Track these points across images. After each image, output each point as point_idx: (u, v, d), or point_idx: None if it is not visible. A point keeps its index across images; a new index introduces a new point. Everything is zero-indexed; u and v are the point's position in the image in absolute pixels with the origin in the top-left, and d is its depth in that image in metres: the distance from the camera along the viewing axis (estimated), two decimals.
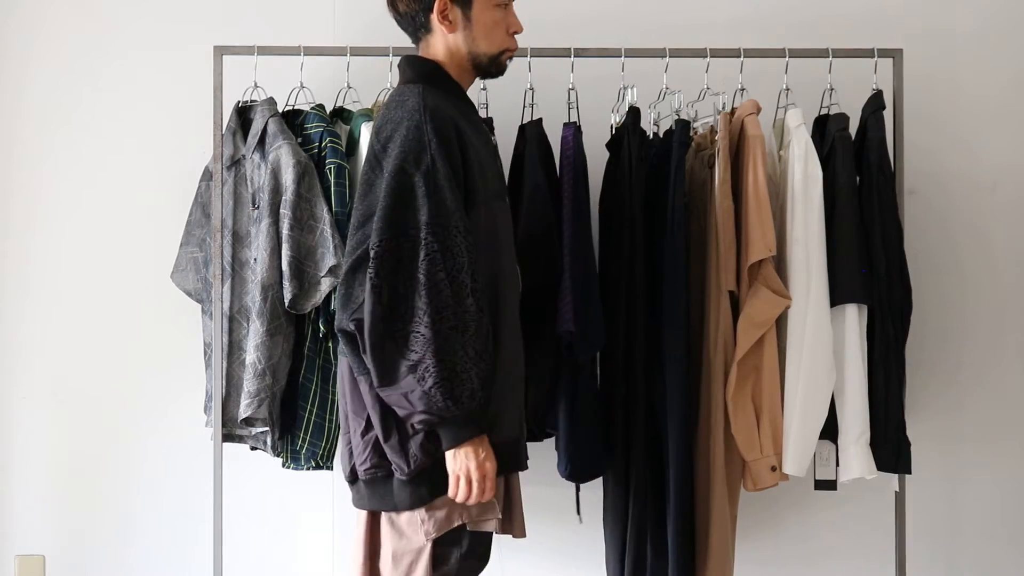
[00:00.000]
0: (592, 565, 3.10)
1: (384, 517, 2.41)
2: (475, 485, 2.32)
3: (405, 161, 2.31)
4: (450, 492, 2.34)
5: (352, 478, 2.45)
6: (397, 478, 2.35)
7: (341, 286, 2.38)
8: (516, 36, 2.56)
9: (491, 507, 2.40)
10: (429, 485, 2.35)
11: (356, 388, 2.40)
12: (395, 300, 2.25)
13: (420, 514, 2.36)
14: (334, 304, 2.91)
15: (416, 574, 2.38)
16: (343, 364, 2.46)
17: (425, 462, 2.34)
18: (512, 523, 2.50)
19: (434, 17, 2.47)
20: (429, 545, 2.37)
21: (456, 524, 2.38)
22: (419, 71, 2.48)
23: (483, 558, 2.47)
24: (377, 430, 2.36)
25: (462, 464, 2.31)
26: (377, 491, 2.39)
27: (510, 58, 2.57)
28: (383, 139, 2.37)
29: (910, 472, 2.98)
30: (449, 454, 2.32)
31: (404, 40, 2.58)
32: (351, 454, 2.44)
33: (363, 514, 2.48)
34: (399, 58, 2.57)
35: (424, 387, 2.24)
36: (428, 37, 2.50)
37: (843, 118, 2.96)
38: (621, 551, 2.95)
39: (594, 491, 3.04)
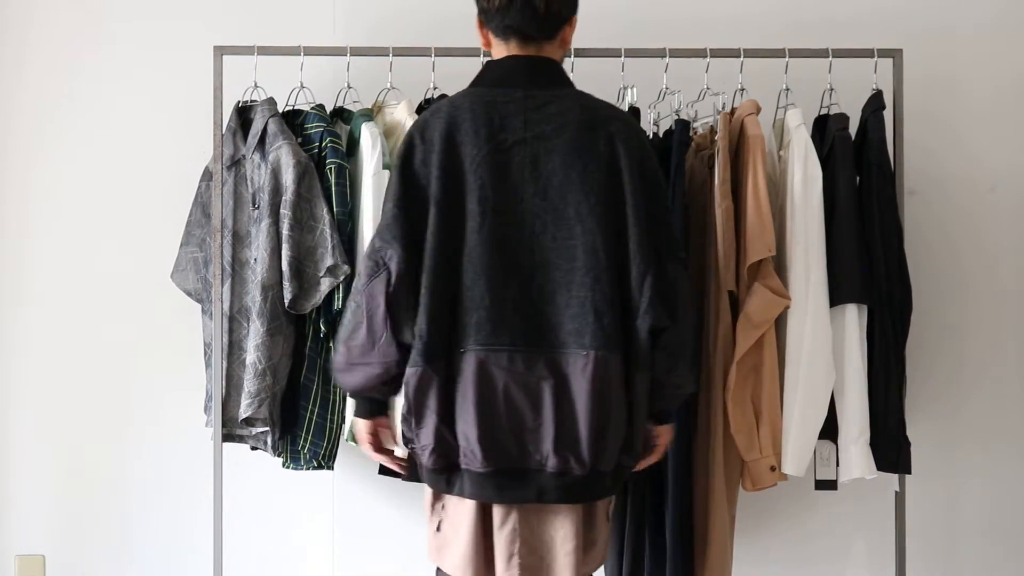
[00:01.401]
0: None
1: (601, 502, 2.47)
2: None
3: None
4: (650, 461, 2.54)
5: (596, 473, 2.39)
6: (627, 465, 2.45)
7: (656, 286, 2.37)
8: None
9: None
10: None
11: (627, 387, 2.38)
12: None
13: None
14: (338, 303, 2.92)
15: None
16: (609, 366, 2.35)
17: None
18: None
19: (568, 30, 2.51)
20: None
21: None
22: (568, 78, 2.52)
23: None
24: (641, 419, 2.42)
25: (671, 436, 2.57)
26: (612, 479, 2.43)
27: None
28: (638, 152, 2.40)
29: (910, 472, 2.98)
30: (668, 428, 2.54)
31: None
32: (611, 451, 2.38)
33: (577, 508, 2.43)
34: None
35: (695, 371, 2.66)
36: (549, 44, 2.49)
37: (843, 118, 2.96)
38: (619, 551, 2.95)
39: None
